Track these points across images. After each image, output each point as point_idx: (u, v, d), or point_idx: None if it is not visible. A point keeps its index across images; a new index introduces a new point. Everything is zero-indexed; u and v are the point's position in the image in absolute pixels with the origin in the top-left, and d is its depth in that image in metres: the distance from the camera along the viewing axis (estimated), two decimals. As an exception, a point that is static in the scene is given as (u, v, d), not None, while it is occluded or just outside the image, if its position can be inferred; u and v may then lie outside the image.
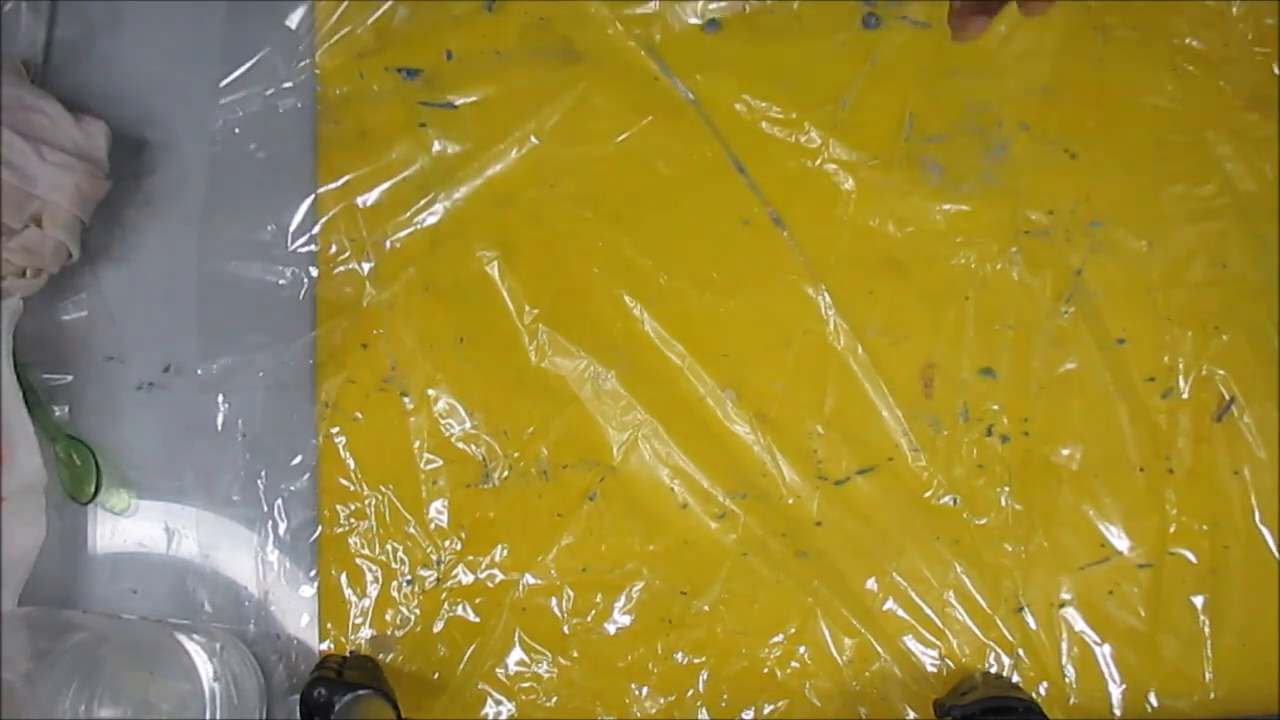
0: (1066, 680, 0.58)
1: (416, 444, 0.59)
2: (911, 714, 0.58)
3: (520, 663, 0.58)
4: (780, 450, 0.59)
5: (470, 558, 0.59)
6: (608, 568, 0.59)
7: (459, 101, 0.61)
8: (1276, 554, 0.58)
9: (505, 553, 0.59)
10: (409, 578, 0.59)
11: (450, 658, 0.58)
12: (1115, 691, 0.58)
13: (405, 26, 0.62)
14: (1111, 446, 0.59)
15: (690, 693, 0.58)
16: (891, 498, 0.59)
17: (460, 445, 0.60)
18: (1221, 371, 0.59)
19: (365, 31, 0.62)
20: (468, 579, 0.59)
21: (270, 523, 0.59)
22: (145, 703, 0.55)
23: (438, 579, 0.59)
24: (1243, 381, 0.59)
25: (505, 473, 0.59)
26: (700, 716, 0.58)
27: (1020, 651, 0.58)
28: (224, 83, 0.61)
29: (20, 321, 0.58)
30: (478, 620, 0.59)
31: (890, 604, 0.58)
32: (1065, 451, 0.59)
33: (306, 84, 0.61)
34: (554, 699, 0.58)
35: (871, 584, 0.59)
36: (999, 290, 0.60)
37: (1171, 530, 0.58)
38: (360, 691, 0.52)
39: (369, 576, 0.59)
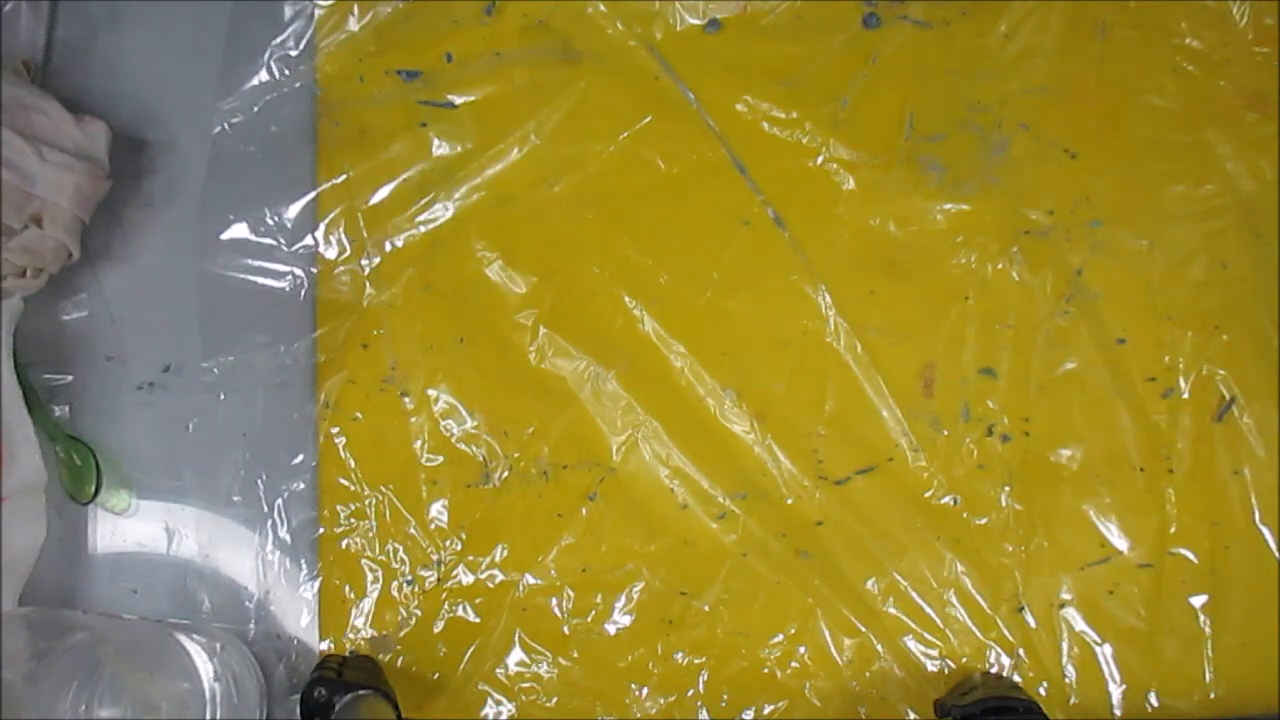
0: (1067, 680, 0.58)
1: (417, 444, 0.59)
2: (911, 714, 0.58)
3: (520, 663, 0.58)
4: (780, 450, 0.59)
5: (470, 558, 0.59)
6: (608, 568, 0.59)
7: (459, 101, 0.61)
8: (1276, 554, 0.58)
9: (505, 553, 0.59)
10: (409, 578, 0.59)
11: (450, 658, 0.58)
12: (1115, 691, 0.58)
13: (405, 29, 0.62)
14: (1112, 446, 0.59)
15: (690, 693, 0.58)
16: (892, 497, 0.59)
17: (460, 445, 0.60)
18: (1221, 371, 0.59)
19: (365, 32, 0.62)
20: (468, 579, 0.59)
21: (270, 523, 0.59)
22: (145, 703, 0.55)
23: (438, 579, 0.59)
24: (1243, 381, 0.59)
25: (505, 473, 0.59)
26: (700, 717, 0.58)
27: (1020, 651, 0.58)
28: (224, 82, 0.61)
29: (20, 321, 0.58)
30: (478, 620, 0.59)
31: (890, 604, 0.58)
32: (1065, 452, 0.59)
33: (306, 83, 0.61)
34: (554, 699, 0.58)
35: (872, 584, 0.59)
36: (999, 290, 0.60)
37: (1171, 530, 0.58)
38: (360, 691, 0.52)
39: (369, 576, 0.59)
